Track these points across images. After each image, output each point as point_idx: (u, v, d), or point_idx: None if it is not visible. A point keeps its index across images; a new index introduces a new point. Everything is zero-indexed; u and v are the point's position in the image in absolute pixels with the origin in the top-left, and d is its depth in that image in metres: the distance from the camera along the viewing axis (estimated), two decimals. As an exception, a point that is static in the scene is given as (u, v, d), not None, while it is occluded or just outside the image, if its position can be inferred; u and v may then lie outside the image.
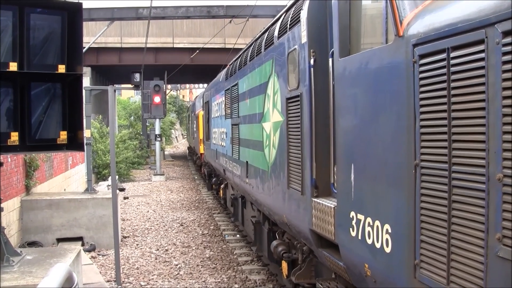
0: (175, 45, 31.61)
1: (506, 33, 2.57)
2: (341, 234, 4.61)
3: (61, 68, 6.41)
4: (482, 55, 2.73)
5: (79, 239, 12.11)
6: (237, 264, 10.85)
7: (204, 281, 9.75)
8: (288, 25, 6.30)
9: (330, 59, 5.11)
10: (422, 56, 3.25)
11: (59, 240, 11.97)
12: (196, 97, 32.95)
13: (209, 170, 20.51)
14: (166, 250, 12.24)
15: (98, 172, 24.98)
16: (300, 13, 5.76)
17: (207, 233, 14.02)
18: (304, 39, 5.54)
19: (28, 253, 7.17)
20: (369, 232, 4.00)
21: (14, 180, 11.35)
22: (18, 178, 11.72)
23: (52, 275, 4.61)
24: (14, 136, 6.12)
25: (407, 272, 3.45)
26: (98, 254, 11.76)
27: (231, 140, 11.40)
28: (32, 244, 11.48)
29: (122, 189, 21.73)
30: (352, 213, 4.32)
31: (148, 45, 25.07)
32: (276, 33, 6.95)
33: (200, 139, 22.98)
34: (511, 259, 2.54)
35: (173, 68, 29.90)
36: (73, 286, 5.01)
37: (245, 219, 12.02)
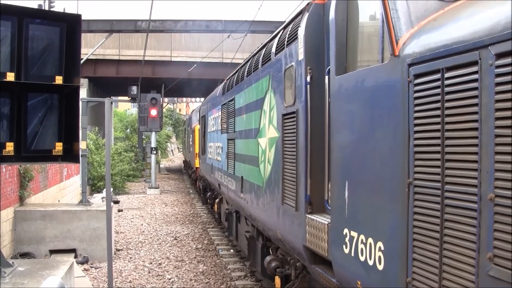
0: (173, 59, 31.68)
1: (499, 55, 2.61)
2: (335, 250, 4.62)
3: (59, 79, 6.43)
4: (476, 76, 2.77)
5: (72, 251, 12.04)
6: (231, 279, 10.81)
7: (196, 296, 9.70)
8: (285, 41, 6.35)
9: (327, 77, 5.15)
10: (417, 76, 3.29)
11: (52, 251, 11.90)
12: (193, 111, 32.97)
13: (204, 184, 20.47)
14: (160, 264, 12.19)
15: (93, 184, 24.90)
16: (297, 30, 5.81)
17: (201, 248, 13.97)
18: (301, 56, 5.58)
19: (20, 264, 7.13)
20: (362, 249, 4.01)
21: (8, 190, 11.31)
22: (12, 188, 11.68)
23: None
24: (10, 147, 6.12)
25: (399, 290, 3.45)
26: (91, 267, 11.69)
27: (226, 155, 11.41)
28: (24, 255, 11.40)
29: (116, 202, 21.66)
30: (346, 230, 4.33)
31: (146, 58, 25.12)
32: (273, 49, 7.00)
33: (196, 153, 22.97)
34: (502, 279, 2.56)
35: (170, 81, 29.96)
36: (65, 298, 4.99)
37: (239, 234, 12.00)
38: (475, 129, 2.77)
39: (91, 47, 27.04)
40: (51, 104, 6.58)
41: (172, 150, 75.61)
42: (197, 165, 22.71)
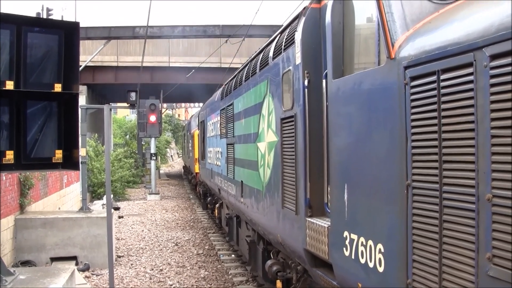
0: (171, 64, 31.72)
1: (493, 57, 2.64)
2: (335, 253, 4.63)
3: (57, 87, 6.46)
4: (471, 77, 2.79)
5: (73, 258, 12.03)
6: (232, 284, 10.81)
7: (198, 301, 9.70)
8: (283, 46, 6.37)
9: (324, 80, 5.17)
10: (413, 78, 3.31)
11: (53, 259, 11.89)
12: (192, 116, 32.98)
13: (204, 189, 20.47)
14: (161, 270, 12.18)
15: (93, 191, 24.89)
16: (294, 34, 5.83)
17: (202, 253, 13.97)
18: (298, 60, 5.60)
19: (21, 272, 7.14)
20: (362, 251, 4.03)
21: (8, 198, 11.32)
22: (13, 196, 11.69)
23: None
24: (10, 155, 6.13)
25: (399, 291, 3.47)
26: (92, 274, 11.68)
27: (226, 160, 11.42)
28: (25, 263, 11.39)
29: (117, 208, 21.65)
30: (346, 233, 4.35)
31: (144, 64, 25.17)
32: (271, 54, 7.02)
33: (196, 158, 22.98)
34: (501, 279, 2.57)
35: (169, 87, 29.99)
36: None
37: (240, 239, 11.99)
38: (472, 130, 2.80)
39: (90, 54, 27.08)
40: (50, 111, 6.61)
41: (171, 156, 75.60)
42: (197, 170, 22.71)
